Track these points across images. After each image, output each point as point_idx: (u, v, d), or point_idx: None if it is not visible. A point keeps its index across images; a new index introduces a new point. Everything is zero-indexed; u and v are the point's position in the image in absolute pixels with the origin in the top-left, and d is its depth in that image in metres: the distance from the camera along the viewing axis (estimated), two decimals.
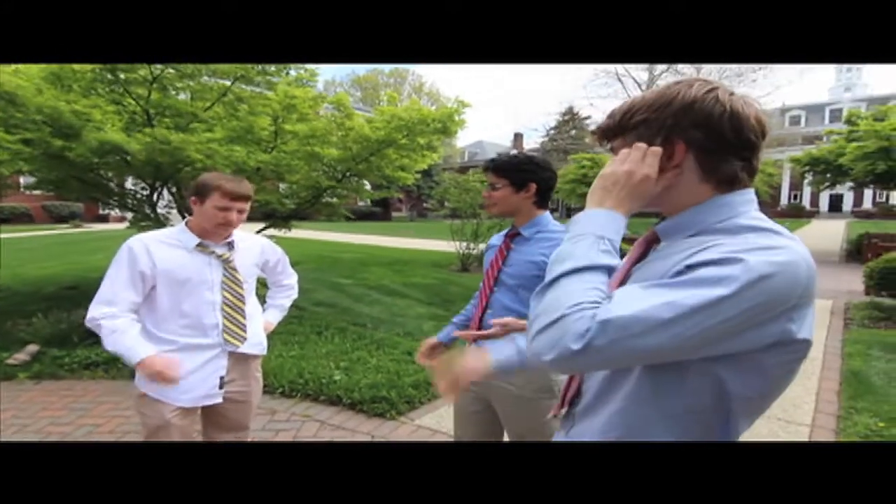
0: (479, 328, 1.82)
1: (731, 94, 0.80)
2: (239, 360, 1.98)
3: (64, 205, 22.35)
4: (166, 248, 1.83)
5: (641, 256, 0.94)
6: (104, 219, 23.22)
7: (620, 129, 0.87)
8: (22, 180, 6.42)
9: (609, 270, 0.76)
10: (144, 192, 5.35)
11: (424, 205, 38.61)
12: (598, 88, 41.25)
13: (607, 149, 0.93)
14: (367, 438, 3.03)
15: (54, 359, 4.19)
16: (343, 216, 6.47)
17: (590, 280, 0.73)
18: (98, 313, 1.74)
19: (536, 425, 1.69)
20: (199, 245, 1.86)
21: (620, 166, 0.82)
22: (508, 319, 1.51)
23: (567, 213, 42.57)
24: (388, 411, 3.30)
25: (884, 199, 32.58)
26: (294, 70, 4.72)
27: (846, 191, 27.19)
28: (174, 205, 5.69)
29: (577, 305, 0.69)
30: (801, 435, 3.08)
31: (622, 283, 0.97)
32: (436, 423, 3.21)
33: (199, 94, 4.73)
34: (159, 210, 5.39)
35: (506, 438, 1.85)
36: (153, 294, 1.82)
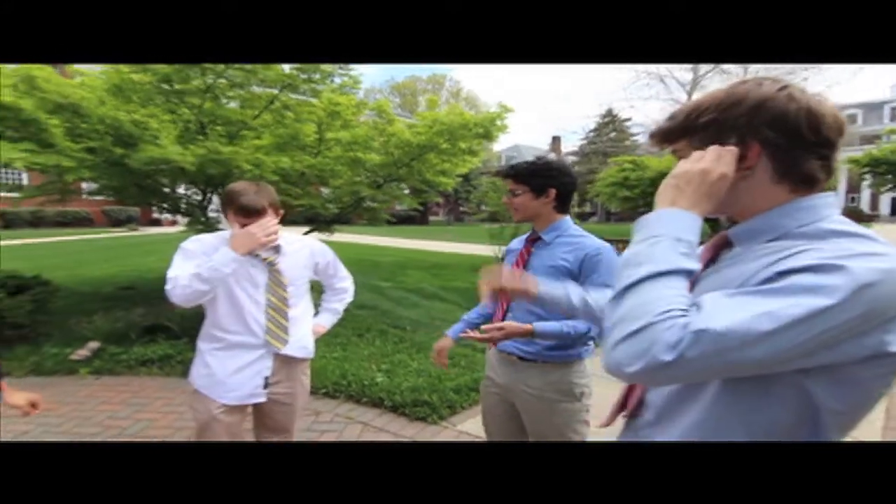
0: None
1: (804, 91, 0.77)
2: (285, 362, 2.01)
3: (122, 209, 23.60)
4: (218, 249, 1.86)
5: (710, 261, 0.89)
6: (157, 223, 24.39)
7: (684, 130, 0.84)
8: (84, 186, 6.80)
9: (690, 275, 0.72)
10: (197, 198, 5.58)
11: (462, 209, 38.71)
12: (640, 90, 40.39)
13: (668, 152, 0.89)
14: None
15: (113, 355, 4.41)
16: (384, 220, 6.55)
17: (674, 285, 0.69)
18: (169, 285, 1.76)
19: (558, 427, 1.72)
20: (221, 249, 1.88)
21: (695, 164, 0.78)
22: (506, 323, 1.66)
23: (606, 216, 41.72)
24: (430, 415, 3.29)
25: None
26: (338, 77, 4.82)
27: None
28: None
29: (667, 313, 0.65)
30: None
31: (690, 289, 0.92)
32: (478, 429, 3.17)
33: (248, 103, 4.90)
34: (210, 214, 5.61)
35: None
36: (214, 292, 1.85)
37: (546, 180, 1.74)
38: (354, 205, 6.12)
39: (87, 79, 4.63)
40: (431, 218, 36.98)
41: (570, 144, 46.83)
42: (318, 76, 4.63)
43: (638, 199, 15.21)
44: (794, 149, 0.76)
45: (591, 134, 42.85)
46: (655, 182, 8.17)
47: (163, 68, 4.05)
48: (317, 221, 6.43)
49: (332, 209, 6.17)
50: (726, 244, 0.87)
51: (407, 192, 6.67)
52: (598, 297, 1.40)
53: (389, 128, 5.09)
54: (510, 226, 9.67)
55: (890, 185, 13.99)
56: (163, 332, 4.79)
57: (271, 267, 1.94)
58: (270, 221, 1.82)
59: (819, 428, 0.71)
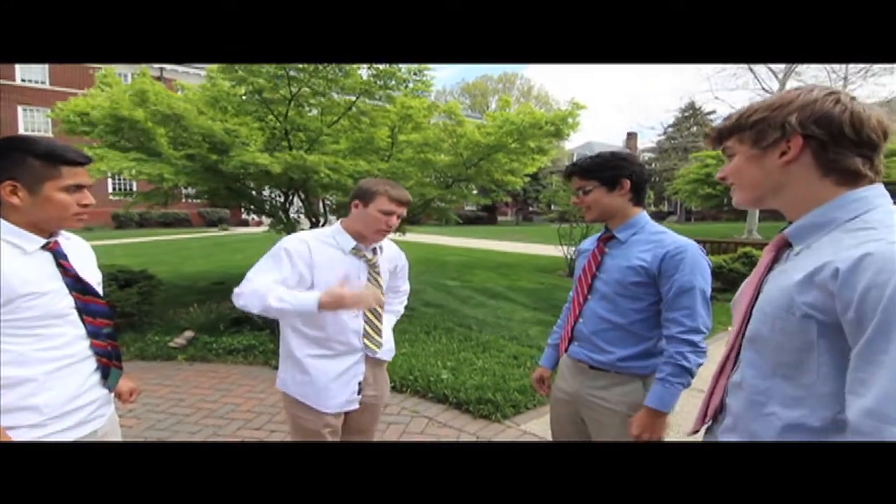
0: (571, 338, 1.76)
1: (853, 98, 0.83)
2: (373, 365, 1.98)
3: (214, 211, 25.70)
4: (325, 247, 1.83)
5: (773, 261, 0.92)
6: (245, 223, 26.30)
7: (737, 128, 0.91)
8: (183, 190, 7.51)
9: None
10: (279, 199, 5.97)
11: (530, 208, 38.18)
12: (725, 80, 37.36)
13: (719, 150, 0.98)
14: (473, 439, 3.07)
15: (205, 344, 4.83)
16: (453, 220, 6.64)
17: None
18: (240, 287, 1.71)
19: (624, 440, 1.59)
20: (353, 248, 1.84)
21: None
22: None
23: (686, 216, 39.34)
24: (494, 413, 3.31)
25: None
26: (411, 81, 4.97)
27: None
28: (303, 210, 6.31)
29: None
30: None
31: (757, 291, 0.90)
32: (542, 429, 3.16)
33: (328, 110, 5.18)
34: (291, 215, 5.99)
35: None
36: None
37: (617, 171, 1.61)
38: (424, 205, 6.26)
39: (190, 93, 5.11)
40: (500, 218, 36.81)
41: (646, 140, 44.62)
42: (393, 82, 4.80)
43: (722, 195, 14.26)
44: (837, 146, 0.81)
45: (670, 129, 40.62)
46: None
47: (258, 81, 4.38)
48: None
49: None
50: (786, 244, 0.91)
51: (475, 192, 6.71)
52: None
53: (459, 129, 5.16)
54: (580, 226, 9.45)
55: None
56: (247, 323, 5.18)
57: (373, 269, 1.90)
58: (372, 298, 1.67)
59: None
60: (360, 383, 1.90)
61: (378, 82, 5.01)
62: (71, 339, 1.29)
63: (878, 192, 0.82)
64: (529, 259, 12.24)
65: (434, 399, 3.61)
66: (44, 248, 1.29)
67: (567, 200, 9.48)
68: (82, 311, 1.32)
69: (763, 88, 25.41)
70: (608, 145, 48.57)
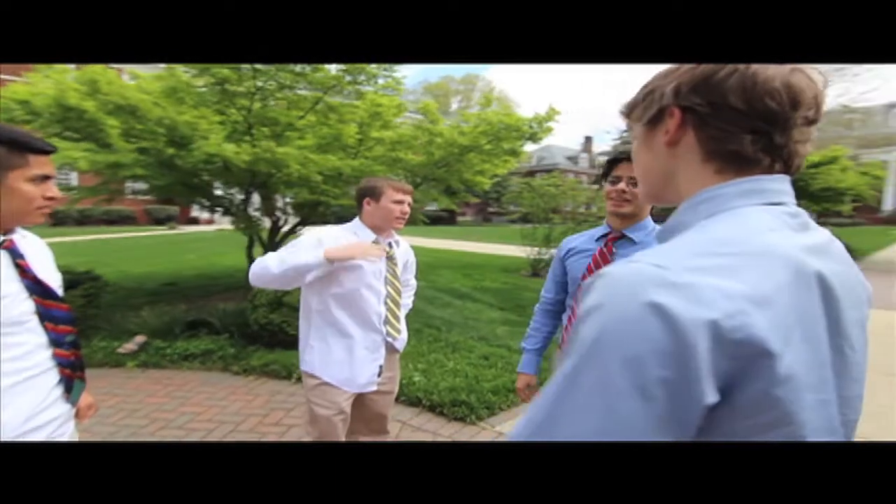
0: None
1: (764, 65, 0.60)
2: (390, 351, 2.13)
3: (162, 208, 24.48)
4: (348, 239, 1.96)
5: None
6: (195, 221, 25.19)
7: (633, 105, 0.72)
8: (128, 185, 7.08)
9: None
10: (240, 197, 5.71)
11: (489, 209, 38.54)
12: None
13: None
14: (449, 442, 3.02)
15: (158, 349, 4.54)
16: (420, 220, 6.57)
17: None
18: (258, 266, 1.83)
19: None
20: (374, 241, 2.01)
21: None
22: None
23: None
24: (469, 416, 3.27)
25: None
26: (382, 79, 4.87)
27: None
28: (262, 208, 6.08)
29: None
30: None
31: None
32: None
33: (294, 104, 5.00)
34: (251, 213, 5.74)
35: None
36: (337, 281, 1.93)
37: None
38: None
39: (144, 82, 4.80)
40: (459, 218, 36.95)
41: (603, 144, 46.01)
42: (363, 78, 4.68)
43: None
44: (719, 119, 0.60)
45: (625, 134, 42.07)
46: None
47: (221, 71, 4.17)
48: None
49: None
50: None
51: (442, 192, 6.67)
52: None
53: (434, 128, 5.11)
54: (543, 226, 9.59)
55: None
56: (205, 327, 4.92)
57: (390, 260, 2.07)
58: (377, 252, 1.88)
59: None
60: (380, 366, 2.05)
61: (347, 77, 4.88)
62: (31, 348, 1.15)
63: (743, 188, 0.60)
64: (492, 259, 12.30)
65: (406, 402, 3.53)
66: None
67: (531, 201, 9.60)
68: (43, 316, 1.18)
69: None
70: (567, 149, 49.76)
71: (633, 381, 0.46)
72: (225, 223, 6.69)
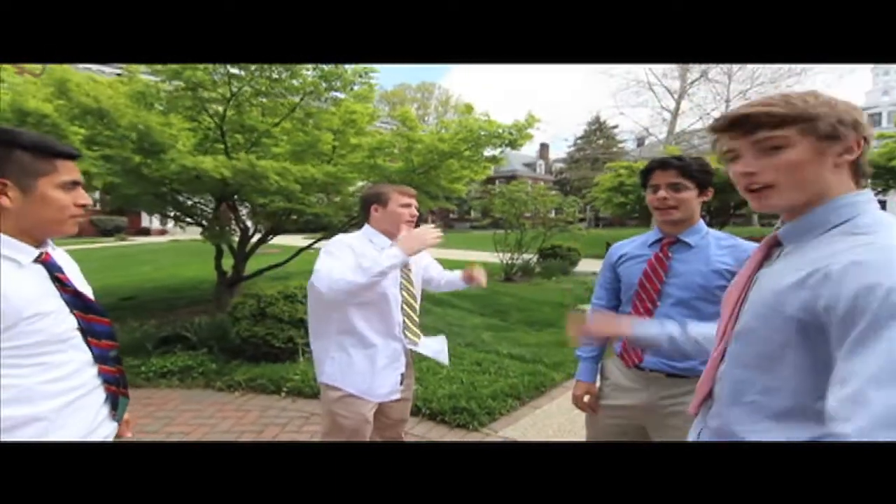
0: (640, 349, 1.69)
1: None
2: (407, 357, 2.12)
3: (109, 219, 23.19)
4: (367, 246, 1.96)
5: (763, 260, 0.94)
6: (146, 232, 24.01)
7: (801, 118, 0.85)
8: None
9: None
10: (211, 206, 5.50)
11: (451, 215, 38.75)
12: (629, 98, 40.70)
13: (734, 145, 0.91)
14: None
15: (130, 367, 4.29)
16: None
17: None
18: (318, 277, 1.78)
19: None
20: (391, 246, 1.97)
21: None
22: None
23: (596, 222, 42.07)
24: (471, 422, 3.26)
25: None
26: (357, 84, 4.82)
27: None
28: (233, 218, 5.87)
29: None
30: None
31: (747, 288, 0.94)
32: (520, 434, 3.16)
33: (270, 111, 4.86)
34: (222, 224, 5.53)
35: None
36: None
37: (708, 177, 1.62)
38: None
39: (102, 86, 4.54)
40: (422, 225, 36.93)
41: (559, 151, 47.22)
42: (339, 83, 4.61)
43: (634, 204, 15.40)
44: (867, 148, 0.85)
45: (580, 141, 43.33)
46: None
47: (195, 74, 3.98)
48: (328, 229, 6.38)
49: (341, 217, 6.13)
50: (777, 243, 0.92)
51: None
52: (703, 332, 1.24)
53: (413, 134, 5.09)
54: (515, 232, 9.72)
55: (881, 189, 14.34)
56: (179, 342, 4.69)
57: (404, 266, 2.01)
58: (432, 226, 1.91)
59: None
60: (402, 374, 2.03)
61: (324, 83, 4.80)
62: (79, 366, 1.08)
63: (867, 196, 0.84)
64: (463, 265, 12.21)
65: None
66: (36, 259, 1.05)
67: (503, 208, 9.71)
68: (86, 332, 1.10)
69: (661, 106, 27.99)
70: (524, 155, 50.66)
71: None
72: (178, 233, 6.41)
